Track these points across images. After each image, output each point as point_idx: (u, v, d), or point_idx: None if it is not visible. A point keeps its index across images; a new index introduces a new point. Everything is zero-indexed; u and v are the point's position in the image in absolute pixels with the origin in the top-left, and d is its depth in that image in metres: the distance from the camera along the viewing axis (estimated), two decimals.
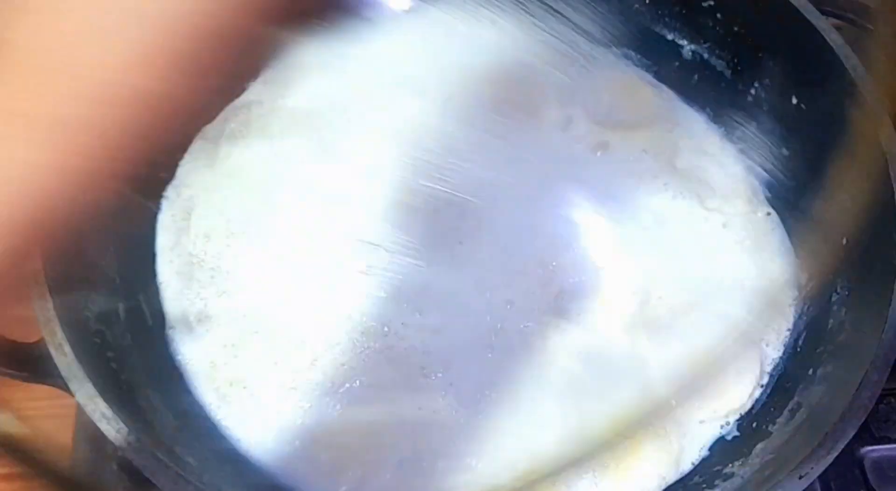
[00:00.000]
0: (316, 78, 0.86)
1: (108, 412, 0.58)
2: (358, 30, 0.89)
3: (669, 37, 0.89)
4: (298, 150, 0.81)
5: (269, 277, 0.75)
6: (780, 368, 0.75)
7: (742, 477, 0.66)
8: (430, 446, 0.69)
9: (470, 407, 0.71)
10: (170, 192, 0.80)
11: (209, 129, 0.82)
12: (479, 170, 0.79)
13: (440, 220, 0.78)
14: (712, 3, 0.83)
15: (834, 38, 0.73)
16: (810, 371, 0.70)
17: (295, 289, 0.75)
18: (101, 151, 0.31)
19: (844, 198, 0.74)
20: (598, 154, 0.83)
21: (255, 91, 0.85)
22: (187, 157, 0.81)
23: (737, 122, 0.86)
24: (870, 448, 0.76)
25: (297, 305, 0.74)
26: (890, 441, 0.77)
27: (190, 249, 0.76)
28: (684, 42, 0.88)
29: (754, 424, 0.72)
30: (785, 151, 0.82)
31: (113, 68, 0.30)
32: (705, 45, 0.86)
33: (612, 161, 0.78)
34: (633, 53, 0.91)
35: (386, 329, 0.73)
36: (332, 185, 0.79)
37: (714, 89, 0.87)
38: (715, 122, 0.87)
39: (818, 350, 0.72)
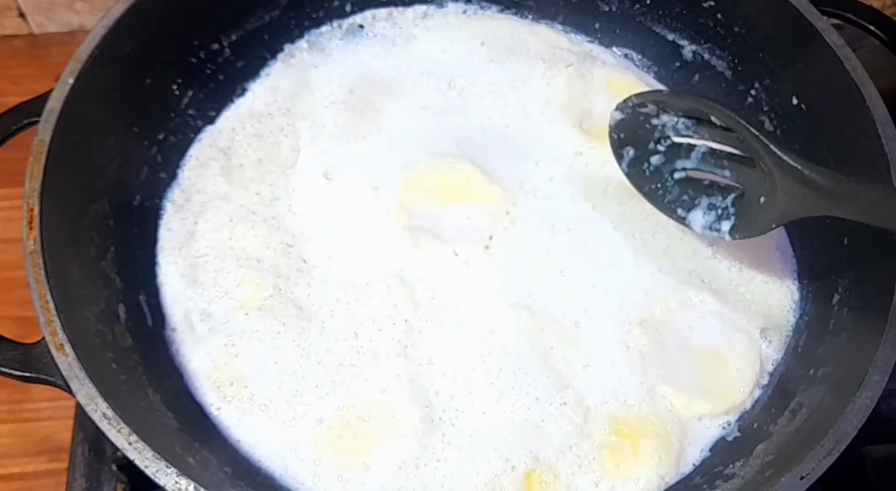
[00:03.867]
0: (319, 91, 0.86)
1: (109, 412, 0.58)
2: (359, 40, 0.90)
3: (670, 37, 0.89)
4: (309, 167, 0.81)
5: (269, 279, 0.75)
6: (780, 368, 0.75)
7: (743, 477, 0.66)
8: (433, 453, 0.69)
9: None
10: (176, 195, 0.80)
11: (219, 138, 0.83)
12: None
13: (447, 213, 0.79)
14: (713, 3, 0.83)
15: (834, 39, 0.73)
16: (811, 371, 0.70)
17: (297, 290, 0.75)
18: None
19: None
20: (599, 154, 0.83)
21: (262, 98, 0.85)
22: (194, 162, 0.81)
23: None
24: (871, 448, 0.76)
25: (299, 307, 0.74)
26: (891, 441, 0.76)
27: (195, 252, 0.76)
28: (685, 42, 0.88)
29: (755, 425, 0.72)
30: None
31: None
32: (706, 46, 0.86)
33: (610, 162, 0.78)
34: (633, 54, 0.91)
35: (390, 334, 0.73)
36: (342, 205, 0.80)
37: (714, 90, 0.87)
38: None
39: (819, 350, 0.72)
